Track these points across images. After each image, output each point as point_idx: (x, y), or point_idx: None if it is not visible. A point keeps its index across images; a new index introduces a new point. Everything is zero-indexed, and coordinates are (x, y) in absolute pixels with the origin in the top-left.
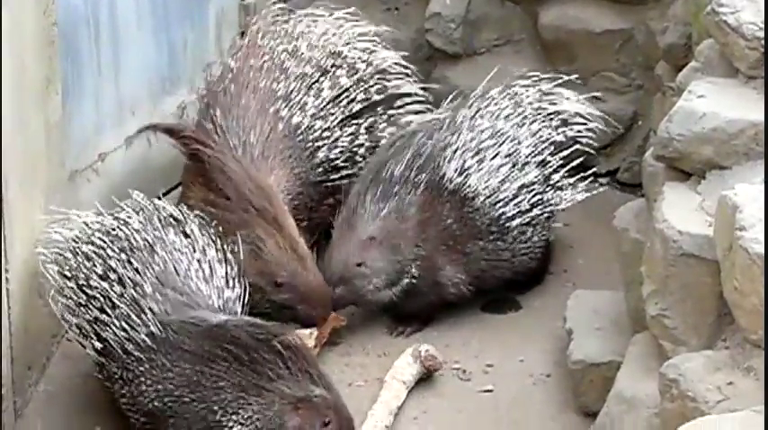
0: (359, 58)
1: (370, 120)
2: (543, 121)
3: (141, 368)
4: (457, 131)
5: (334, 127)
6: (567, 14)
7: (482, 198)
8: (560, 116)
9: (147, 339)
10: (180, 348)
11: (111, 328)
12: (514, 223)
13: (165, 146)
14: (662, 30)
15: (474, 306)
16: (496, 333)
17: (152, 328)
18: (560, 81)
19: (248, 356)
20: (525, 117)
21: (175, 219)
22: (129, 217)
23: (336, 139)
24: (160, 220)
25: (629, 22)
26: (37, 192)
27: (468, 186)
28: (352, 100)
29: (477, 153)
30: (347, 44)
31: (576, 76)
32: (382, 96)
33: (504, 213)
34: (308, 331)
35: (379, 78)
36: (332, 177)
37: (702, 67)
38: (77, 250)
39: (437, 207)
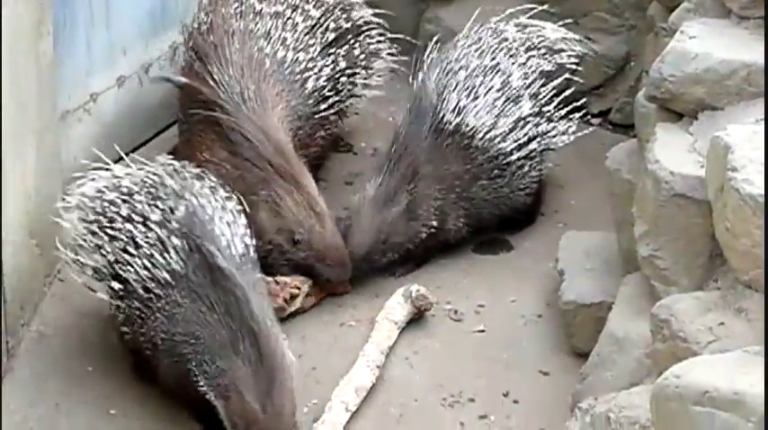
0: None
1: (345, 47)
2: (529, 51)
3: (158, 304)
4: (448, 73)
5: (315, 56)
6: None
7: (480, 134)
8: (544, 44)
9: (167, 276)
10: (190, 286)
11: (133, 268)
12: (513, 158)
13: (157, 86)
14: None
15: (465, 247)
16: (488, 274)
17: (174, 266)
18: (536, 11)
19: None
20: (511, 50)
21: (198, 175)
22: (157, 170)
23: (320, 68)
24: (187, 174)
25: None
26: (29, 132)
27: (467, 125)
28: (326, 29)
29: (470, 91)
30: None
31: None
32: (349, 24)
33: (502, 149)
34: (301, 278)
35: (342, 8)
36: (321, 107)
37: (695, 7)
38: (102, 197)
39: (443, 153)
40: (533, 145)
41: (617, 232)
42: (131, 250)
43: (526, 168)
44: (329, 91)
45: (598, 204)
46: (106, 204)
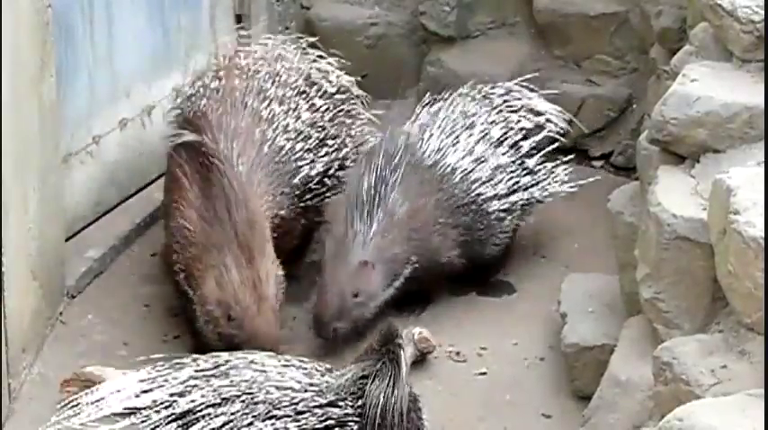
0: (323, 78)
1: (338, 140)
2: (511, 110)
3: None
4: (433, 117)
5: (313, 148)
6: None
7: (459, 174)
8: (527, 108)
9: None
10: None
11: None
12: (492, 207)
13: (159, 129)
14: (656, 13)
15: (467, 289)
16: (490, 316)
17: None
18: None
19: None
20: (495, 106)
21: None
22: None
23: (314, 161)
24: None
25: (623, 6)
26: (31, 174)
27: (446, 164)
28: (326, 120)
29: (451, 134)
30: (311, 66)
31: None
32: (348, 120)
33: (480, 194)
34: None
35: (343, 99)
36: (305, 198)
37: (697, 50)
38: None
39: (418, 187)
40: (515, 197)
41: (619, 275)
42: None
43: (506, 221)
44: (316, 184)
45: (600, 247)
46: None
